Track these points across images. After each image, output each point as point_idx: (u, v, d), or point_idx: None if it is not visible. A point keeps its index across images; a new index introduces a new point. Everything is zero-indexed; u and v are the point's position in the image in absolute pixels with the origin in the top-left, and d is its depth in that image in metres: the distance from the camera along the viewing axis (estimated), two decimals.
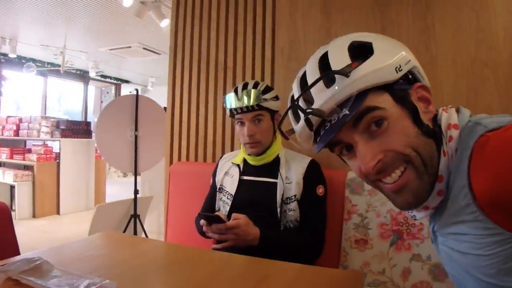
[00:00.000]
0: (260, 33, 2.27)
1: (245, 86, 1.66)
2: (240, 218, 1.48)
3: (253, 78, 2.26)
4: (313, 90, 0.75)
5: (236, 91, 1.65)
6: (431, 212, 0.78)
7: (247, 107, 1.62)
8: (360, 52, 0.74)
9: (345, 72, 0.70)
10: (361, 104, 0.72)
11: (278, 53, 2.19)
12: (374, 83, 0.72)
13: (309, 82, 0.76)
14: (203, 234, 1.61)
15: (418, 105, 0.75)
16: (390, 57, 0.73)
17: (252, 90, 1.62)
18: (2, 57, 7.31)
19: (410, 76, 0.75)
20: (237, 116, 1.67)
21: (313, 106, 0.74)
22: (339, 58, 0.74)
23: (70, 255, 1.30)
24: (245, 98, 1.61)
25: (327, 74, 0.73)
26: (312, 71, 0.77)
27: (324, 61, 0.76)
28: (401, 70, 0.73)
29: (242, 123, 1.67)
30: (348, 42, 0.75)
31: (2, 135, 6.46)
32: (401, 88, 0.74)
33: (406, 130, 0.72)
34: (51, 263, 1.06)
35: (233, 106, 1.65)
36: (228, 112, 1.72)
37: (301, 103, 0.78)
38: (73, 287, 0.93)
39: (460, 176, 0.69)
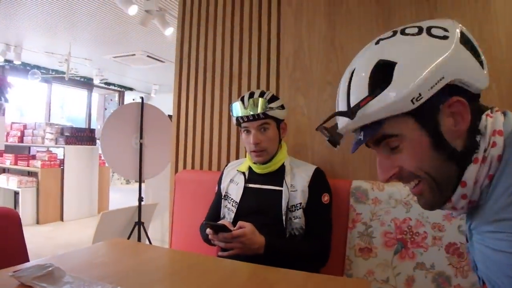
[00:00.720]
0: (265, 42, 2.30)
1: (251, 95, 1.68)
2: (246, 227, 1.49)
3: (258, 87, 2.28)
4: (338, 113, 0.83)
5: (242, 100, 1.68)
6: (461, 212, 0.82)
7: (253, 115, 1.64)
8: (382, 76, 0.76)
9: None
10: (378, 130, 0.78)
11: (283, 62, 2.21)
12: (387, 115, 0.76)
13: (338, 102, 0.85)
14: (208, 241, 1.63)
15: (446, 123, 0.76)
16: (408, 85, 0.73)
17: (259, 99, 1.64)
18: (7, 64, 7.36)
19: (450, 87, 0.75)
20: (243, 125, 1.69)
21: (338, 127, 0.85)
22: (358, 88, 0.79)
23: (79, 262, 1.31)
24: (252, 107, 1.64)
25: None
26: (341, 90, 0.84)
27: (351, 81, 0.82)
28: (420, 98, 0.73)
29: (248, 131, 1.69)
30: (376, 60, 0.78)
31: (7, 141, 6.50)
32: (428, 107, 0.75)
33: (421, 156, 0.77)
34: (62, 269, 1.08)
35: (240, 114, 1.67)
36: (234, 121, 1.74)
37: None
38: None
39: (505, 177, 0.72)
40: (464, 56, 0.74)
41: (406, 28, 0.79)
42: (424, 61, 0.74)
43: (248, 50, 2.36)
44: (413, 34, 0.77)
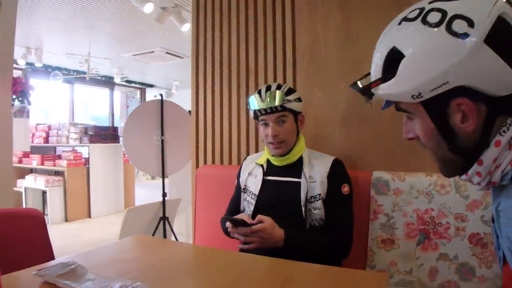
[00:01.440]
0: (280, 36, 2.28)
1: (268, 88, 1.67)
2: (265, 221, 1.49)
3: (275, 81, 2.27)
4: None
5: (259, 93, 1.68)
6: (479, 188, 0.82)
7: (271, 108, 1.64)
8: (392, 64, 0.77)
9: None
10: (395, 103, 0.83)
11: (299, 55, 2.20)
12: (395, 100, 0.81)
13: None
14: (228, 234, 1.64)
15: (455, 118, 0.76)
16: (408, 83, 0.75)
17: (276, 92, 1.64)
18: (28, 66, 7.52)
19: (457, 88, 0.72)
20: (261, 117, 1.69)
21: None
22: (375, 67, 0.82)
23: (103, 259, 1.34)
24: (269, 100, 1.63)
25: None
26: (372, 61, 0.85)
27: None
28: (421, 97, 0.74)
29: (266, 124, 1.68)
30: (391, 45, 0.78)
31: (32, 142, 6.65)
32: (437, 100, 0.75)
33: (429, 138, 0.81)
34: (85, 267, 1.10)
35: (257, 107, 1.67)
36: (252, 114, 1.74)
37: None
38: None
39: None
40: (483, 60, 0.69)
41: (431, 11, 0.74)
42: (430, 63, 0.72)
43: (263, 44, 2.35)
44: (432, 25, 0.72)
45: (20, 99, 6.17)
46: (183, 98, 5.31)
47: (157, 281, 1.10)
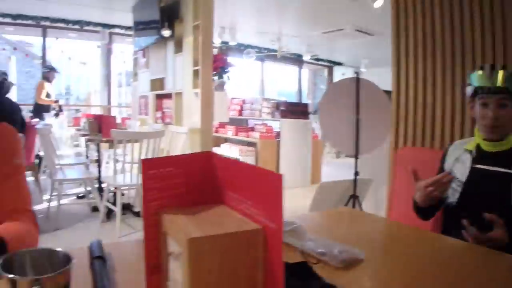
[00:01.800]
0: (488, 13, 2.10)
1: (493, 67, 1.55)
2: (497, 227, 1.38)
3: (483, 61, 2.11)
4: None
5: (483, 68, 1.56)
6: None
7: (497, 88, 1.52)
8: None
9: None
10: None
11: (509, 34, 1.98)
12: None
13: None
14: (420, 213, 1.67)
15: None
16: None
17: (505, 72, 1.51)
18: (223, 45, 8.32)
19: None
20: (480, 96, 1.58)
21: None
22: None
23: (312, 225, 1.46)
24: (495, 79, 1.52)
25: None
26: None
27: None
28: None
29: (485, 105, 1.57)
30: None
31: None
32: None
33: None
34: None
35: (480, 84, 1.56)
36: (468, 91, 1.64)
37: None
38: (328, 249, 1.07)
39: None
40: None
41: None
42: None
43: (469, 22, 2.18)
44: None
45: (219, 74, 6.89)
46: (373, 77, 5.26)
47: (370, 250, 1.15)
